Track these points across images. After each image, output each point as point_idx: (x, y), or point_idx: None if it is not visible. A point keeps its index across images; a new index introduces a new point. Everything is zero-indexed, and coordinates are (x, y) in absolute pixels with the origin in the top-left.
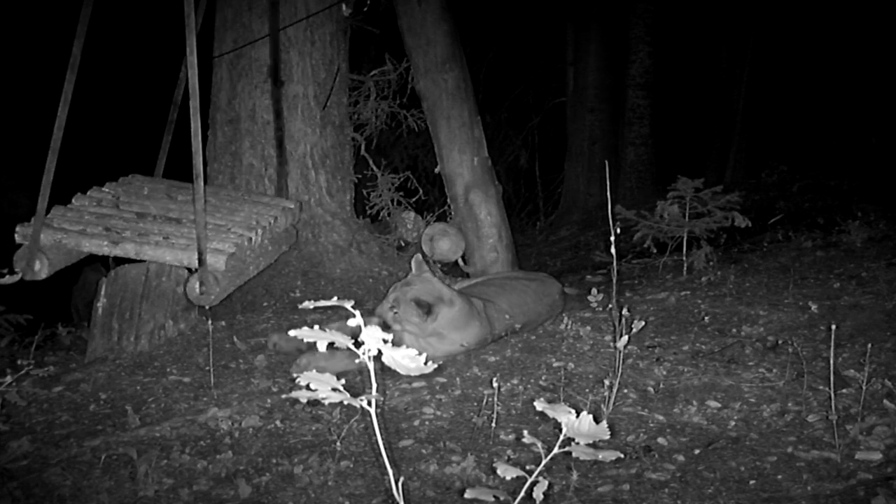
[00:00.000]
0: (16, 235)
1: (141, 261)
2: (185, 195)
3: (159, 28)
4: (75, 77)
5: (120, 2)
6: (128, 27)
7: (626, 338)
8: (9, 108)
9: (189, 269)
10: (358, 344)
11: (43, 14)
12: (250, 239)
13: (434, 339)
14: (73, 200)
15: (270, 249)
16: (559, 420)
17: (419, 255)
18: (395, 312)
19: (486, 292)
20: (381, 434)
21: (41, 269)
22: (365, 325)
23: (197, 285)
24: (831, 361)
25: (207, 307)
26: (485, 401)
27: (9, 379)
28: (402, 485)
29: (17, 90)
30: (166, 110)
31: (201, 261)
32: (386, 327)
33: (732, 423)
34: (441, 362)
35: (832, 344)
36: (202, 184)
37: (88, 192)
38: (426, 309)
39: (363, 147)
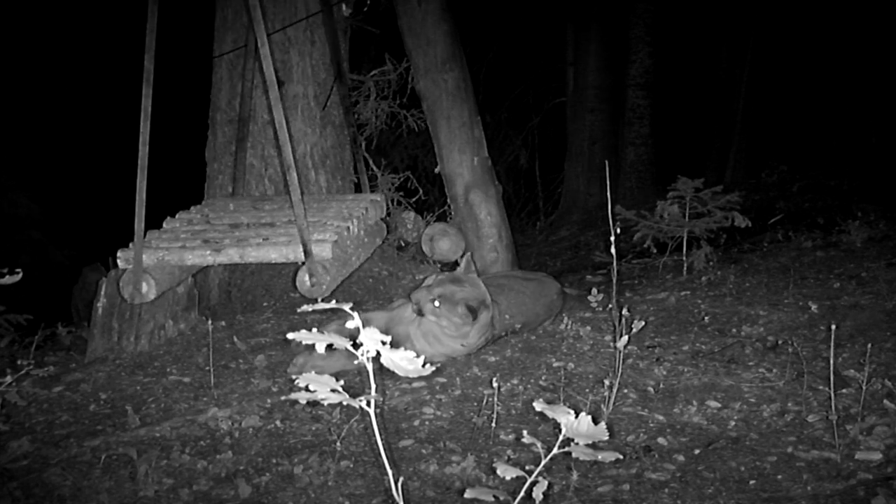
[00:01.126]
0: (118, 261)
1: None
2: (271, 205)
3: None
4: (152, 90)
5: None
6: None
7: (626, 338)
8: (8, 108)
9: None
10: (357, 345)
11: (40, 15)
12: (348, 228)
13: (450, 339)
14: (164, 224)
15: (367, 241)
16: (559, 420)
17: (469, 255)
18: (437, 306)
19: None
20: (381, 434)
21: (149, 291)
22: (364, 324)
23: (307, 277)
24: (831, 361)
25: (319, 299)
26: (485, 401)
27: (9, 379)
28: (402, 485)
29: (17, 91)
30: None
31: (307, 251)
32: (420, 313)
33: (732, 423)
34: (440, 363)
35: (832, 344)
36: (296, 175)
37: (177, 215)
38: (474, 315)
39: (363, 147)
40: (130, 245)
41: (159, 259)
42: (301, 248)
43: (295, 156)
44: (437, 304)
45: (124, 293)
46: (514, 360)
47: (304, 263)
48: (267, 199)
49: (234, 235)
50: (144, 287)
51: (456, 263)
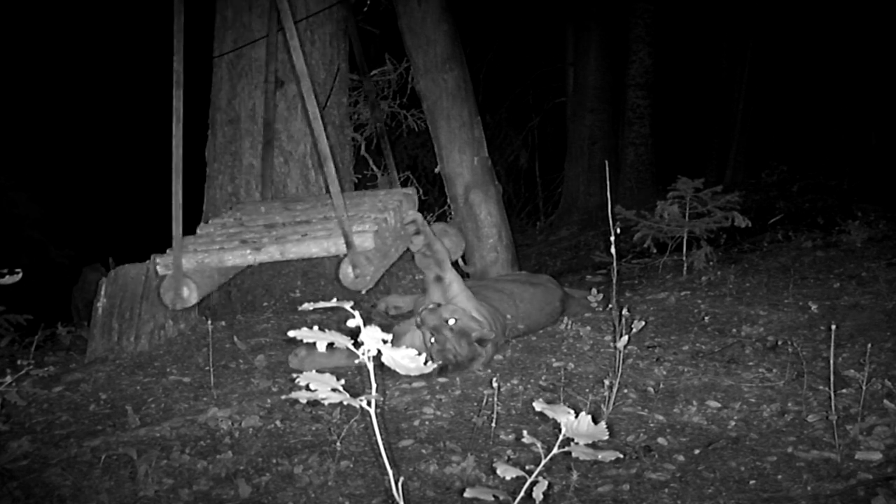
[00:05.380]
0: (158, 267)
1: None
2: (303, 205)
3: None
4: (182, 93)
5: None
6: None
7: (626, 338)
8: (8, 108)
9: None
10: (357, 344)
11: (41, 16)
12: (386, 220)
13: None
14: (198, 230)
15: (403, 233)
16: (559, 420)
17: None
18: (440, 350)
19: (498, 301)
20: (381, 434)
21: (191, 295)
22: (365, 323)
23: (350, 269)
24: (831, 361)
25: (363, 291)
26: (485, 401)
27: (9, 379)
28: (402, 485)
29: (17, 91)
30: None
31: (349, 243)
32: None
33: (732, 423)
34: (440, 363)
35: (832, 344)
36: (333, 166)
37: (209, 221)
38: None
39: (363, 147)
40: (168, 251)
41: (199, 262)
42: (342, 241)
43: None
44: (432, 341)
45: (165, 299)
46: (514, 360)
47: (346, 256)
48: (298, 199)
49: (272, 234)
50: (186, 292)
51: (456, 263)
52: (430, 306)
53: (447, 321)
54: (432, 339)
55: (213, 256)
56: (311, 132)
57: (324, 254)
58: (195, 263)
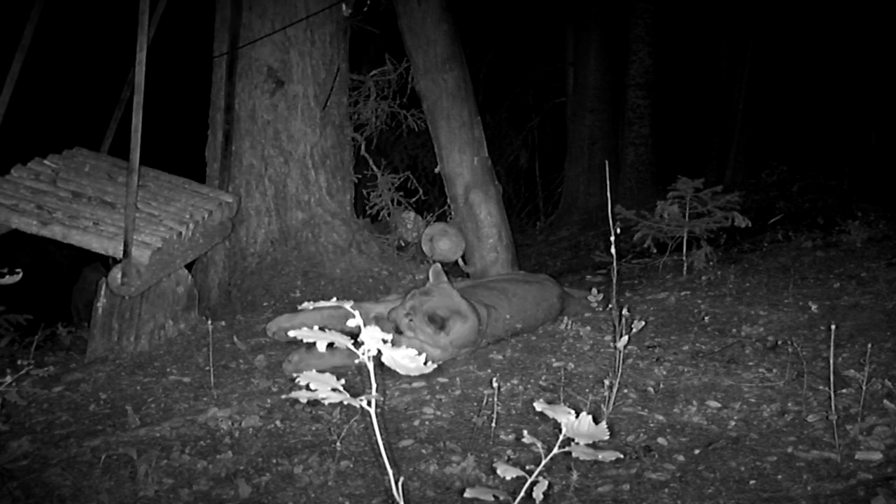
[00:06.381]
0: None
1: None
2: (125, 176)
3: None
4: (24, 57)
5: None
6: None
7: (626, 338)
8: (7, 108)
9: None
10: (357, 343)
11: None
12: (180, 234)
13: (436, 351)
14: (12, 171)
15: (202, 242)
16: (559, 420)
17: (438, 266)
18: (410, 320)
19: (489, 297)
20: (381, 434)
21: None
22: (366, 323)
23: (119, 276)
24: (831, 361)
25: (126, 297)
26: (485, 401)
27: (9, 379)
28: (402, 485)
29: (15, 90)
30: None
31: (126, 252)
32: (398, 331)
33: (732, 423)
34: (440, 363)
35: (832, 344)
36: (136, 179)
37: (29, 164)
38: (440, 324)
39: (363, 147)
40: None
41: None
42: (122, 247)
43: (230, 150)
44: (409, 318)
45: None
46: (514, 360)
47: (120, 262)
48: (125, 166)
49: (70, 209)
50: None
51: (456, 263)
52: (388, 311)
53: (408, 299)
54: (410, 319)
55: (1, 214)
56: (129, 145)
57: (102, 252)
58: None
